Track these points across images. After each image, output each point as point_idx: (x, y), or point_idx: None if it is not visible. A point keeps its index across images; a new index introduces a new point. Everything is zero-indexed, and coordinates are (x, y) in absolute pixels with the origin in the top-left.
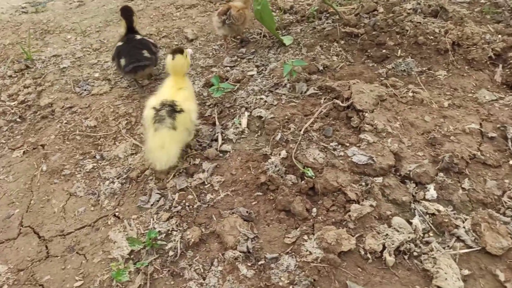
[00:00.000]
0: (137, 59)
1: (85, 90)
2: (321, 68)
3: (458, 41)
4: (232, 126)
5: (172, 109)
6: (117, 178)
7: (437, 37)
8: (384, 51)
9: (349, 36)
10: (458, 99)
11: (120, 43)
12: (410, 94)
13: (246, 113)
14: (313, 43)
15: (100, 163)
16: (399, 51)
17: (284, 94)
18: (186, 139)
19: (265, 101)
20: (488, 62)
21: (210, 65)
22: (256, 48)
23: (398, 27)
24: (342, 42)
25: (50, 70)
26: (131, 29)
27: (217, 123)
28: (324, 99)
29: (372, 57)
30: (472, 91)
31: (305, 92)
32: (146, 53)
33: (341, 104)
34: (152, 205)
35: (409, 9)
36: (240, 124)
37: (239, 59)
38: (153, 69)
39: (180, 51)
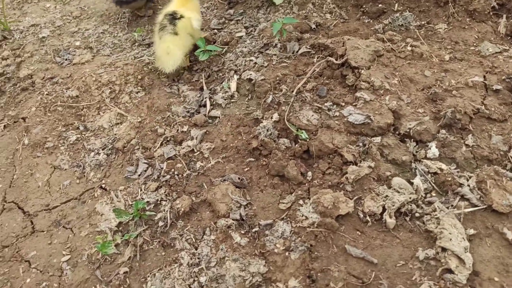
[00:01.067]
0: None
1: (66, 59)
2: (313, 26)
3: None
4: (221, 90)
5: (172, 17)
6: (103, 149)
7: None
8: (380, 5)
9: None
10: (459, 53)
11: None
12: (409, 48)
13: (235, 76)
14: (304, 1)
15: (84, 134)
16: (396, 5)
17: (274, 55)
18: (189, 44)
19: (255, 63)
20: (491, 13)
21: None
22: (244, 9)
23: None
24: None
25: (29, 40)
26: None
27: (204, 88)
28: (317, 57)
29: (368, 13)
30: (475, 44)
31: (297, 52)
32: None
33: (335, 61)
34: (139, 175)
35: None
36: (229, 88)
37: (227, 21)
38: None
39: None
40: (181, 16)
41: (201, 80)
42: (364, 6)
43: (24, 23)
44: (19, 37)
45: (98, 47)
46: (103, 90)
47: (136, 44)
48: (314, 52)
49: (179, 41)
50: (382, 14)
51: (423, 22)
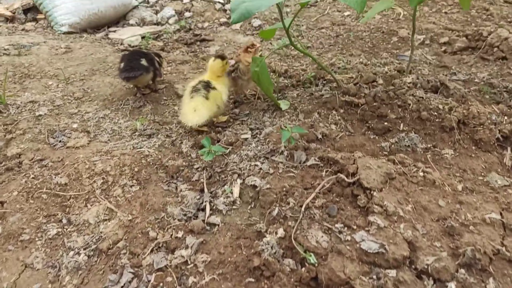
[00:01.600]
0: (131, 67)
1: (60, 141)
2: (320, 136)
3: (464, 119)
4: (222, 194)
5: (206, 85)
6: (84, 249)
7: (441, 113)
8: (385, 123)
9: (349, 105)
10: (469, 182)
11: (127, 52)
12: (421, 174)
13: (239, 181)
14: (310, 109)
15: (66, 229)
16: (402, 125)
17: (281, 162)
18: (215, 112)
19: (260, 169)
20: (496, 144)
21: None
22: (250, 110)
23: (400, 100)
24: (342, 110)
25: (24, 116)
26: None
27: (205, 190)
28: (326, 171)
29: (373, 129)
30: (482, 174)
31: (304, 162)
32: (143, 61)
33: (346, 179)
34: (122, 287)
35: (409, 83)
36: (231, 193)
37: (232, 120)
38: (151, 79)
39: (221, 57)
40: (214, 87)
41: (201, 180)
42: (369, 122)
43: (22, 98)
44: (14, 112)
45: (96, 132)
46: (95, 180)
47: (137, 133)
48: (322, 165)
49: (209, 104)
50: (387, 132)
51: (429, 145)
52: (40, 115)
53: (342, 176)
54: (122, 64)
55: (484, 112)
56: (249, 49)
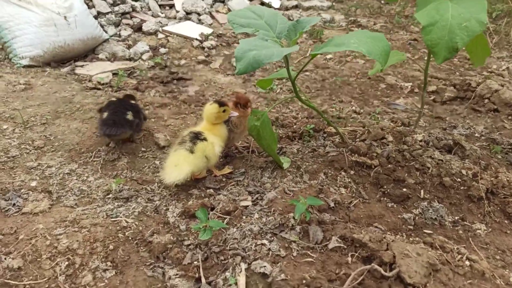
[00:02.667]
0: (114, 122)
1: (14, 204)
2: (332, 204)
3: (492, 188)
4: (224, 284)
5: (195, 136)
6: None
7: (466, 180)
8: (404, 189)
9: (360, 166)
10: None
11: (114, 99)
12: (467, 262)
13: (243, 265)
14: (316, 169)
15: None
16: (422, 191)
17: (294, 242)
18: (202, 165)
19: (269, 249)
20: None
21: (189, 184)
22: (245, 168)
23: (417, 162)
24: (352, 172)
25: None
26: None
27: (202, 279)
28: (352, 256)
29: (390, 195)
30: None
31: (322, 242)
32: (129, 116)
33: (384, 273)
34: None
35: (420, 141)
36: (235, 283)
37: (224, 179)
38: (132, 134)
39: (219, 103)
40: (205, 138)
41: (195, 262)
42: (385, 187)
43: None
44: None
45: (60, 193)
46: (57, 262)
47: (111, 196)
48: (346, 247)
49: (192, 159)
50: (406, 199)
51: (456, 218)
52: None
53: (377, 267)
54: (105, 114)
55: None
56: (239, 106)
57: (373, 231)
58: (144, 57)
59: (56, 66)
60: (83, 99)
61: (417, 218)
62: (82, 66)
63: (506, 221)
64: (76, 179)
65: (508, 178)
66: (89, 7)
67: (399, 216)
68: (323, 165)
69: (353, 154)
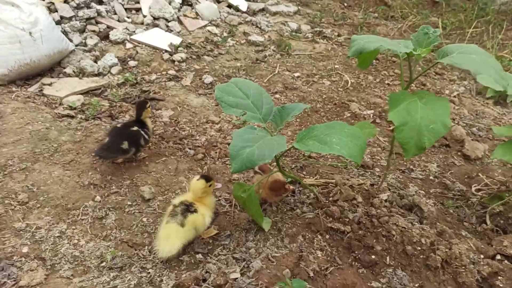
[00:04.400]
0: (108, 147)
1: (9, 277)
2: (311, 274)
3: (447, 258)
4: None
5: (187, 208)
6: None
7: (425, 250)
8: (373, 256)
9: (334, 231)
10: None
11: (119, 124)
12: None
13: None
14: (295, 232)
15: None
16: (388, 258)
17: None
18: (192, 237)
19: None
20: (476, 286)
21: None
22: (230, 228)
23: (384, 229)
24: (327, 236)
25: None
26: (138, 119)
27: None
28: None
29: (361, 261)
30: None
31: None
32: (125, 145)
33: None
34: None
35: (385, 200)
36: None
37: (211, 241)
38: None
39: (206, 178)
40: (195, 210)
41: None
42: (356, 252)
43: None
44: None
45: (54, 260)
46: None
47: (105, 265)
48: None
49: (182, 233)
50: (374, 265)
51: (416, 285)
52: None
53: None
54: (106, 140)
55: (466, 252)
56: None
57: None
58: (113, 70)
59: (22, 85)
60: (59, 135)
61: (384, 286)
62: (50, 84)
63: None
64: (68, 243)
65: (459, 250)
66: (50, 11)
67: (369, 283)
68: (301, 228)
69: (327, 218)
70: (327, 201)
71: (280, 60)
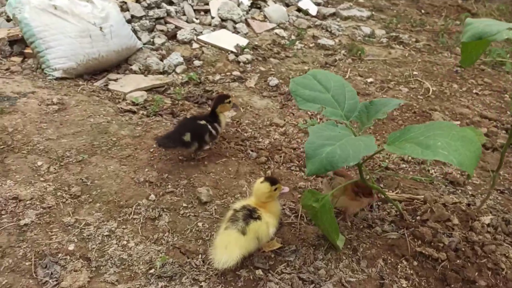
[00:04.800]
0: (169, 137)
1: (52, 276)
2: None
3: None
4: None
5: (249, 214)
6: None
7: None
8: None
9: (424, 257)
10: None
11: (188, 116)
12: None
13: None
14: (374, 254)
15: None
16: None
17: None
18: (253, 247)
19: None
20: None
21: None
22: (296, 243)
23: (489, 260)
24: (415, 263)
25: (4, 225)
26: (213, 112)
27: None
28: None
29: None
30: None
31: None
32: (187, 137)
33: None
34: None
35: (487, 225)
36: None
37: (273, 255)
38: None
39: (271, 181)
40: (259, 217)
41: None
42: (452, 286)
43: (2, 189)
44: None
45: (99, 262)
46: None
47: (153, 272)
48: None
49: (243, 242)
50: None
51: None
52: (26, 224)
53: None
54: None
55: None
56: (360, 195)
57: None
58: (178, 69)
59: (89, 79)
60: (119, 129)
61: None
62: (115, 80)
63: None
64: (116, 244)
65: None
66: (122, 10)
67: None
68: (382, 249)
69: (415, 241)
70: (413, 221)
71: (352, 64)
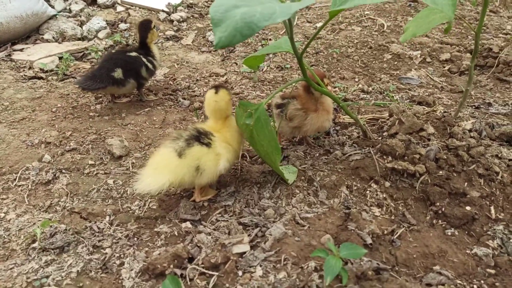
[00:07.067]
0: (94, 75)
1: None
2: (369, 240)
3: None
4: None
5: (196, 136)
6: None
7: None
8: (467, 208)
9: (397, 175)
10: None
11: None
12: None
13: None
14: (335, 181)
15: None
16: (492, 209)
17: None
18: (189, 178)
19: None
20: None
21: (155, 216)
22: (235, 184)
23: (479, 165)
24: (387, 183)
25: None
26: (143, 44)
27: None
28: None
29: (447, 217)
30: None
31: None
32: (117, 73)
33: None
34: None
35: (469, 131)
36: None
37: (207, 204)
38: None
39: (224, 87)
40: (208, 144)
41: None
42: (437, 204)
43: None
44: None
45: None
46: None
47: (36, 246)
48: None
49: (176, 165)
50: (471, 221)
51: None
52: None
53: None
54: (95, 67)
55: None
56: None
57: (438, 280)
58: (100, 35)
59: None
60: (15, 94)
61: (496, 254)
62: (21, 50)
63: None
64: None
65: None
66: None
67: (467, 250)
68: (344, 175)
69: (385, 157)
70: (379, 138)
71: (299, 13)
